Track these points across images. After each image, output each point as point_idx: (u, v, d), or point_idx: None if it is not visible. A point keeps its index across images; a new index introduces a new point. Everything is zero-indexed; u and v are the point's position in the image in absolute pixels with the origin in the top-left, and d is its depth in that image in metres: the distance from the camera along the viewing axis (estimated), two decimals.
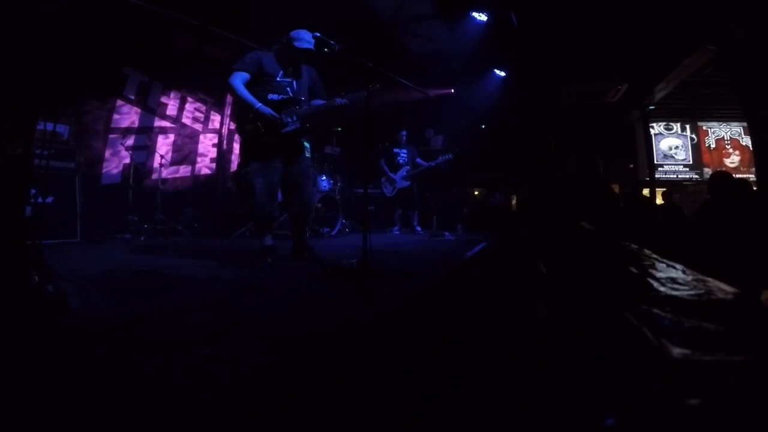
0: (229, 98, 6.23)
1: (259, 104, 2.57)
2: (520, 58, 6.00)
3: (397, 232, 5.66)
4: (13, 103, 1.36)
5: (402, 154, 5.70)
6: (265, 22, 5.59)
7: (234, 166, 6.28)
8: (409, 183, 5.61)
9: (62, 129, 3.84)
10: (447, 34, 6.52)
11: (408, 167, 5.65)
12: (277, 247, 2.89)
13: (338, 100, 2.74)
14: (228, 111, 6.33)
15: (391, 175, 5.62)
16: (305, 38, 2.69)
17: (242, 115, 2.70)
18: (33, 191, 2.02)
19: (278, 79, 2.73)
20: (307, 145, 2.91)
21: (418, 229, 5.61)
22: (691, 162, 10.64)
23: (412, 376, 0.89)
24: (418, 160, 5.80)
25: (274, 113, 2.61)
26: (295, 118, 2.71)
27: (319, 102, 2.84)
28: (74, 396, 0.90)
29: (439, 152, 7.50)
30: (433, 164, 5.70)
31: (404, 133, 5.83)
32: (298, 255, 2.96)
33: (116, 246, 3.81)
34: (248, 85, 2.63)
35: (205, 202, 5.70)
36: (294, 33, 2.72)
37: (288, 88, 2.76)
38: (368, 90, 2.41)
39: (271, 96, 2.68)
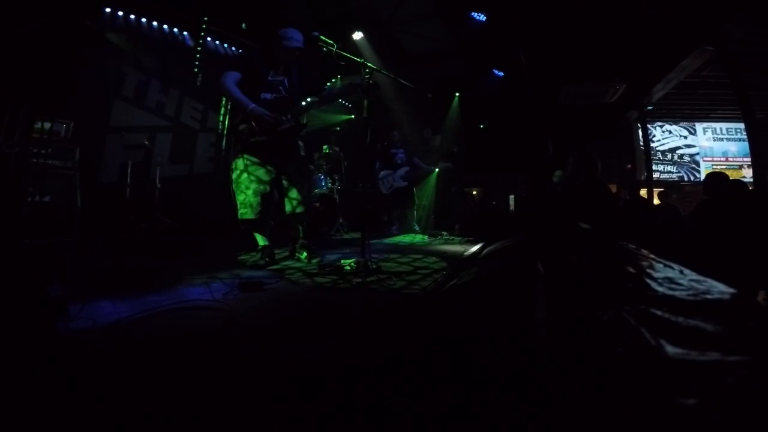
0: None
1: (252, 104, 2.54)
2: (518, 58, 6.01)
3: (395, 231, 5.65)
4: (10, 102, 1.35)
5: (399, 154, 5.68)
6: (264, 20, 5.58)
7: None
8: (407, 183, 5.59)
9: (59, 127, 3.82)
10: (446, 34, 6.52)
11: (407, 167, 5.62)
12: (274, 246, 2.89)
13: (326, 92, 2.75)
14: (227, 110, 6.32)
15: (391, 172, 5.59)
16: (294, 37, 2.68)
17: (236, 114, 2.68)
18: (30, 190, 2.02)
19: (270, 77, 2.71)
20: (301, 143, 2.91)
21: (416, 228, 5.61)
22: (688, 162, 10.69)
23: (408, 375, 0.88)
24: (417, 161, 5.78)
25: (268, 113, 2.58)
26: (289, 117, 2.70)
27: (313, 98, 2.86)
28: (73, 395, 0.90)
29: (437, 151, 7.48)
30: (432, 168, 5.70)
31: (396, 133, 5.84)
32: (296, 254, 2.96)
33: (114, 245, 3.79)
34: (240, 84, 2.58)
35: (202, 201, 5.69)
36: (282, 32, 2.69)
37: (280, 87, 2.74)
38: (365, 88, 2.42)
39: (263, 95, 2.66)
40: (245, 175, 2.65)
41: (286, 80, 2.77)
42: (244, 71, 2.62)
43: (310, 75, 2.96)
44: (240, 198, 2.69)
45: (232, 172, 2.73)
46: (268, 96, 2.68)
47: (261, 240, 2.81)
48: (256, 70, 2.67)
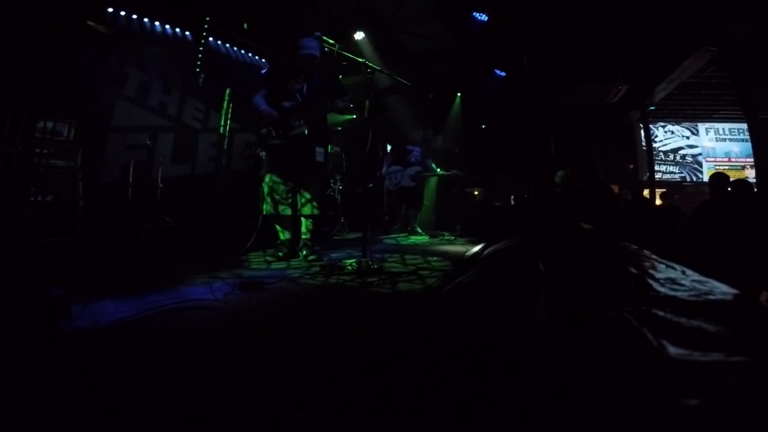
0: (228, 97, 6.26)
1: (263, 106, 2.81)
2: (520, 58, 6.00)
3: (395, 230, 5.54)
4: (13, 102, 1.36)
5: (414, 152, 5.49)
6: (266, 21, 5.59)
7: (233, 165, 6.31)
8: (415, 183, 5.42)
9: (62, 127, 3.83)
10: (447, 34, 6.51)
11: (419, 167, 5.43)
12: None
13: (332, 104, 2.79)
14: (228, 110, 6.34)
15: (401, 168, 5.41)
16: (308, 45, 2.84)
17: (259, 120, 2.93)
18: (33, 189, 2.02)
19: (289, 87, 2.92)
20: (320, 150, 2.95)
21: (418, 229, 5.55)
22: (691, 163, 10.66)
23: (407, 375, 0.89)
24: (429, 162, 5.64)
25: (273, 112, 2.81)
26: (301, 122, 2.82)
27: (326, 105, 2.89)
28: (75, 395, 0.90)
29: (438, 152, 7.45)
30: (444, 174, 5.58)
31: (420, 131, 5.72)
32: (298, 252, 3.00)
33: (116, 245, 3.81)
34: (267, 97, 2.89)
35: (204, 201, 5.69)
36: (298, 41, 2.89)
37: (297, 95, 2.91)
38: (383, 91, 2.45)
39: (284, 104, 2.88)
40: (269, 183, 2.98)
41: (305, 88, 2.92)
42: (268, 86, 2.94)
43: (330, 82, 3.06)
44: (266, 198, 3.00)
45: (262, 180, 3.08)
46: (287, 104, 2.89)
47: (282, 234, 3.04)
48: (278, 82, 2.93)
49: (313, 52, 2.82)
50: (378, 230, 5.80)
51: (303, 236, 3.06)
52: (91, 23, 4.15)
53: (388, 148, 6.57)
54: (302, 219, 3.05)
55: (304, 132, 2.81)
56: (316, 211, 3.00)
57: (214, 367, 1.09)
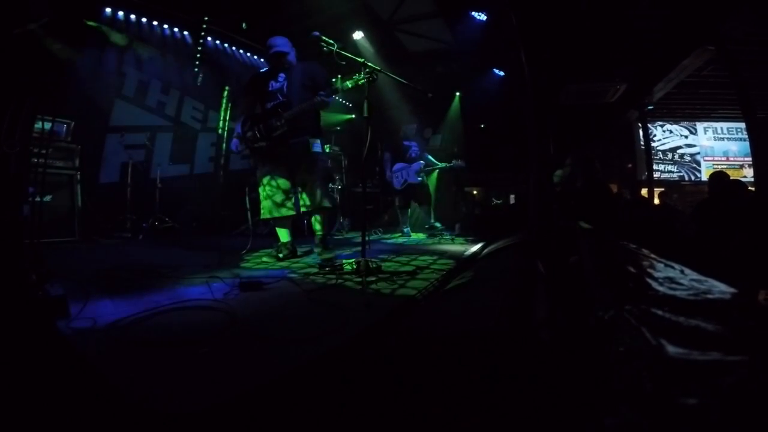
0: (226, 97, 6.26)
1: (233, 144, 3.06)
2: (519, 57, 5.99)
3: (408, 232, 5.39)
4: (11, 102, 1.35)
5: (413, 147, 5.41)
6: (264, 20, 5.58)
7: (232, 165, 6.31)
8: (421, 179, 5.34)
9: (60, 128, 3.82)
10: (446, 34, 6.52)
11: (422, 162, 5.33)
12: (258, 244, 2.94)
13: (316, 99, 2.75)
14: (227, 110, 6.33)
15: (406, 166, 5.31)
16: (275, 44, 2.89)
17: (243, 123, 2.96)
18: (31, 190, 2.01)
19: (269, 89, 2.92)
20: (315, 141, 2.91)
21: (437, 224, 5.28)
22: (689, 162, 10.68)
23: (408, 374, 0.89)
24: (429, 157, 5.54)
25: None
26: (282, 122, 2.80)
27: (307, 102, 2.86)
28: (70, 396, 0.90)
29: (438, 151, 7.45)
30: (446, 166, 5.52)
31: (415, 126, 5.67)
32: (314, 250, 3.09)
33: (114, 245, 3.80)
34: (252, 101, 2.98)
35: (203, 201, 5.69)
36: (268, 41, 2.94)
37: (278, 94, 2.89)
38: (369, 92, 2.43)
39: (267, 105, 2.88)
40: (258, 178, 3.01)
41: (285, 86, 2.90)
42: (250, 93, 3.00)
43: (309, 77, 2.94)
44: (263, 202, 3.00)
45: (258, 183, 3.04)
46: (269, 105, 2.88)
47: (283, 237, 3.05)
48: (259, 86, 2.96)
49: (279, 49, 2.84)
50: (380, 229, 5.78)
51: (317, 233, 3.00)
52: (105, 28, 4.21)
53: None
54: (310, 215, 3.01)
55: (285, 130, 2.78)
56: (326, 203, 2.90)
57: (214, 367, 1.09)
